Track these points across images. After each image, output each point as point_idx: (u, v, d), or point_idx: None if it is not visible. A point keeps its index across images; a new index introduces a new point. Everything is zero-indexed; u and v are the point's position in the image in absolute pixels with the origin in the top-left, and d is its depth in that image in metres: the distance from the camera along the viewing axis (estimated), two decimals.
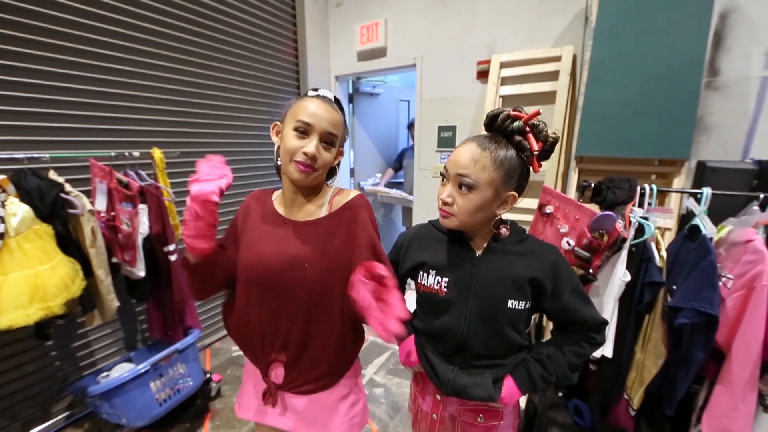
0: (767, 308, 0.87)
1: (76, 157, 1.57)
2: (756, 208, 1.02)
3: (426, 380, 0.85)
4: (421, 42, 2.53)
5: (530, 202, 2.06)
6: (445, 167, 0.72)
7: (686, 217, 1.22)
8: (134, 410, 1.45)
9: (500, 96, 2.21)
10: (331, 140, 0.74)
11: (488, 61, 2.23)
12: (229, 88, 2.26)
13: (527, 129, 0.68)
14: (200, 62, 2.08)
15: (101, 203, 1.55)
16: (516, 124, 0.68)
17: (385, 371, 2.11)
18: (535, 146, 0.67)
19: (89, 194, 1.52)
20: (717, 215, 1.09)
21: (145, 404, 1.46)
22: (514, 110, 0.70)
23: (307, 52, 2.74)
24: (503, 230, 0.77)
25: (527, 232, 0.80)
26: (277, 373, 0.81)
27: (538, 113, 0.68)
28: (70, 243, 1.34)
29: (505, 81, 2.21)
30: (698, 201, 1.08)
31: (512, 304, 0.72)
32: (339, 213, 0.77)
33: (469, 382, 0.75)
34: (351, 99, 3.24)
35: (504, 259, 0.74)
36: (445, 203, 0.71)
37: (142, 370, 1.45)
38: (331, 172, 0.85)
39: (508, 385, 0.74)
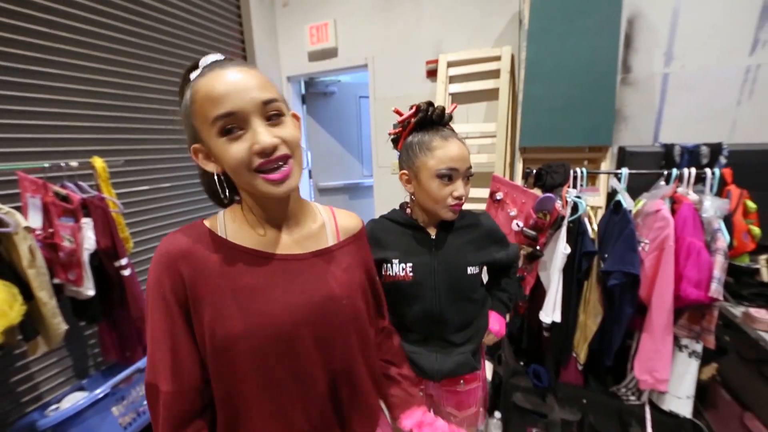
0: (674, 265, 1.05)
1: (2, 171, 1.41)
2: (662, 183, 1.21)
3: None
4: (371, 42, 2.59)
5: (483, 192, 2.21)
6: (449, 168, 0.75)
7: (612, 195, 1.42)
8: None
9: (449, 94, 2.34)
10: (276, 109, 0.50)
11: (436, 61, 2.35)
12: (174, 91, 2.14)
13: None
14: (141, 64, 1.95)
15: (35, 220, 1.41)
16: (447, 114, 0.82)
17: None
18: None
19: (20, 210, 1.38)
20: (637, 192, 1.29)
21: (107, 431, 1.37)
22: (434, 104, 0.81)
23: (255, 53, 2.68)
24: None
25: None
26: None
27: (455, 107, 0.92)
28: (2, 266, 1.21)
29: (452, 79, 2.34)
30: (619, 180, 1.26)
31: (470, 270, 0.83)
32: (352, 242, 0.66)
33: (454, 365, 0.84)
34: (304, 100, 3.22)
35: (455, 235, 0.85)
36: (461, 198, 0.77)
37: (101, 395, 1.36)
38: None
39: (494, 317, 0.90)
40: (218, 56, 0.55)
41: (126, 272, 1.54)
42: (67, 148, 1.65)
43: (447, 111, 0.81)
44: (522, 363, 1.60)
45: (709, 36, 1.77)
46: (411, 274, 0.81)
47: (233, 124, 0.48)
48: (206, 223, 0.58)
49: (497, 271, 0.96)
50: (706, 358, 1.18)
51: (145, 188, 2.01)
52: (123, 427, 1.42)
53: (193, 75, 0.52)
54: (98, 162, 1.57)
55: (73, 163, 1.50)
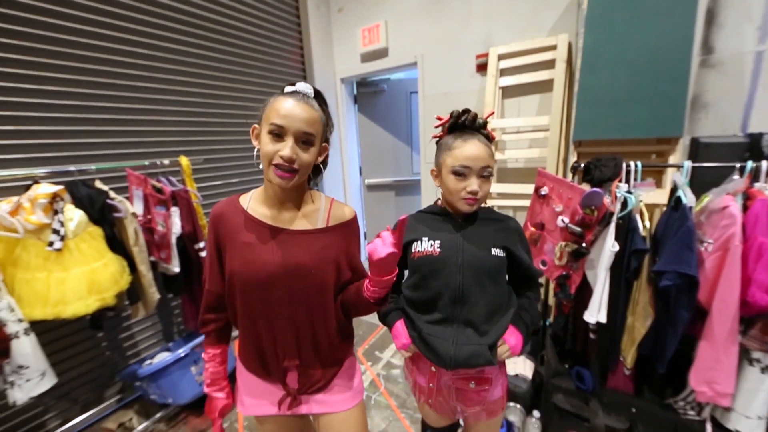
0: (741, 268, 0.95)
1: (116, 168, 1.76)
2: (736, 177, 1.08)
3: (419, 356, 0.97)
4: (420, 40, 2.63)
5: (529, 187, 2.14)
6: (462, 165, 0.83)
7: (674, 190, 1.29)
8: (178, 390, 1.63)
9: (499, 87, 2.29)
10: (308, 140, 0.73)
11: (486, 54, 2.31)
12: (243, 97, 2.43)
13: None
14: (217, 75, 2.25)
15: (138, 208, 1.73)
16: (479, 121, 0.88)
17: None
18: (493, 135, 0.90)
19: (128, 200, 1.71)
20: (710, 187, 1.15)
21: (187, 384, 1.64)
22: (469, 111, 0.88)
23: (312, 57, 2.89)
24: None
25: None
26: (292, 378, 0.86)
27: (492, 113, 0.97)
28: (116, 243, 1.52)
29: (503, 72, 2.28)
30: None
31: (495, 252, 0.88)
32: (338, 228, 0.83)
33: (469, 354, 0.86)
34: (356, 99, 3.37)
35: (480, 222, 0.92)
36: (474, 193, 0.84)
37: (182, 354, 1.63)
38: (316, 170, 0.83)
39: (512, 331, 0.90)
40: (304, 86, 0.77)
41: (203, 254, 1.81)
42: (161, 149, 1.99)
43: (483, 117, 0.89)
44: (566, 365, 1.54)
45: None
46: (438, 249, 0.88)
47: (279, 132, 0.71)
48: (241, 196, 0.84)
49: (519, 279, 0.96)
50: None
51: (218, 183, 2.32)
52: (198, 384, 1.68)
53: (286, 89, 0.77)
54: (184, 160, 1.87)
55: (165, 161, 1.81)
